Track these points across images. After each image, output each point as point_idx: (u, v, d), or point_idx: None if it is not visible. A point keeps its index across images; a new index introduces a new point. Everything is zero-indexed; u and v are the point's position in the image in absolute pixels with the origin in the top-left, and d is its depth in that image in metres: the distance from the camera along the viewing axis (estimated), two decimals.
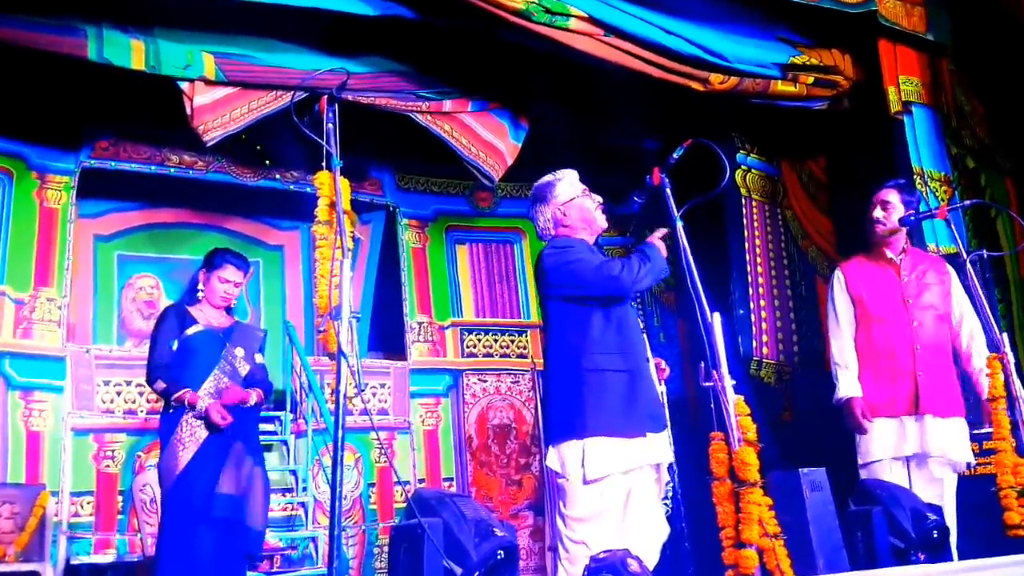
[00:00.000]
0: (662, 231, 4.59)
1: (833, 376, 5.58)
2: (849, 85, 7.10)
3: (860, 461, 5.41)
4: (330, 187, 3.82)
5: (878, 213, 5.55)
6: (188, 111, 5.83)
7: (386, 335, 8.15)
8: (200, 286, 5.57)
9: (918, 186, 6.63)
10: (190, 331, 5.42)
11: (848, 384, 5.49)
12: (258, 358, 5.65)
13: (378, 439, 7.49)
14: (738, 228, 7.55)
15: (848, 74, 7.09)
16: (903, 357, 5.38)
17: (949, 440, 5.27)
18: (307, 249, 8.15)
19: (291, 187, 7.74)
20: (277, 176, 7.69)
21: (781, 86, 6.84)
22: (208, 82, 5.88)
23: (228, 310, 5.67)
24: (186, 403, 5.23)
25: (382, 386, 7.71)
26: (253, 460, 5.40)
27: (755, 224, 7.59)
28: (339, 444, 3.46)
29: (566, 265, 4.44)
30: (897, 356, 5.39)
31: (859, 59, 7.15)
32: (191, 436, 5.22)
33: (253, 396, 5.46)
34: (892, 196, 5.53)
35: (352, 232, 3.86)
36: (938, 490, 5.20)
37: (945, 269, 5.63)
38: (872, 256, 5.65)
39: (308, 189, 7.27)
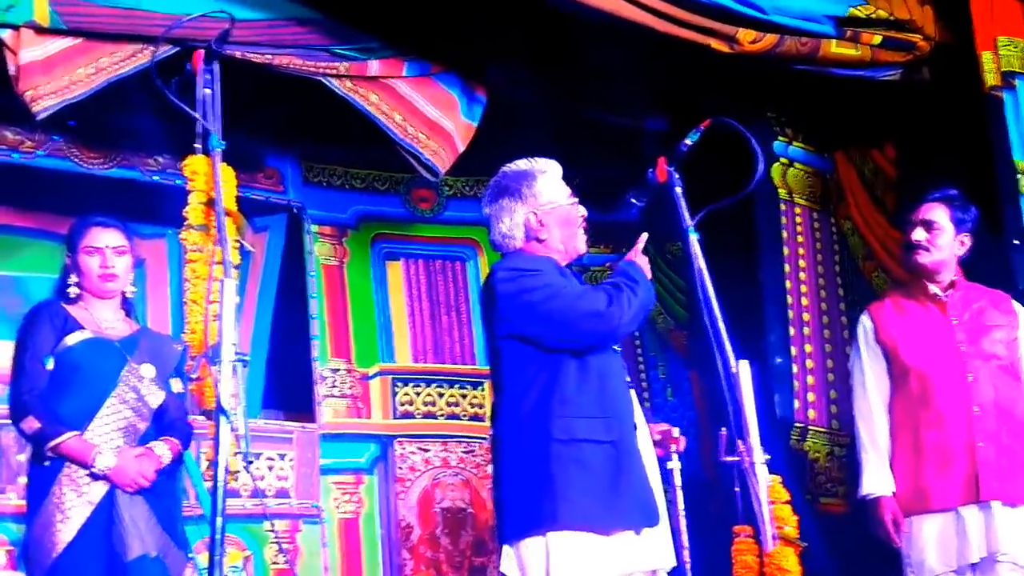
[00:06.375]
0: (642, 239, 4.61)
1: (859, 462, 5.62)
2: (929, 48, 7.15)
3: None
4: (207, 178, 3.82)
5: (919, 235, 5.63)
6: (12, 71, 5.79)
7: (288, 386, 8.08)
8: (71, 278, 5.35)
9: (1023, 187, 6.68)
10: (71, 339, 5.18)
11: (875, 476, 5.55)
12: (175, 384, 5.42)
13: (275, 531, 7.44)
14: (775, 244, 7.58)
15: (928, 33, 7.13)
16: (956, 424, 5.43)
17: None
18: (175, 264, 8.07)
19: (154, 178, 7.68)
20: (135, 163, 7.65)
21: (836, 47, 6.88)
22: (40, 30, 5.83)
23: (127, 309, 5.50)
24: (67, 456, 4.98)
25: (281, 457, 7.67)
26: (162, 527, 5.17)
27: (799, 238, 7.63)
28: (219, 538, 3.43)
29: (528, 294, 4.43)
30: (948, 423, 5.44)
31: (944, 12, 7.19)
32: (76, 499, 4.97)
33: (166, 453, 5.21)
34: (938, 213, 5.62)
35: (239, 241, 3.85)
36: None
37: (1011, 307, 5.70)
38: (910, 292, 5.74)
39: (177, 181, 7.20)
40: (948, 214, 5.61)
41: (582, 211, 4.72)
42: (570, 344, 4.39)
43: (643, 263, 4.59)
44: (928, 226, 5.59)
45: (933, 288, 5.63)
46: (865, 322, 5.79)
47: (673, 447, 4.85)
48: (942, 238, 5.58)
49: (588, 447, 4.29)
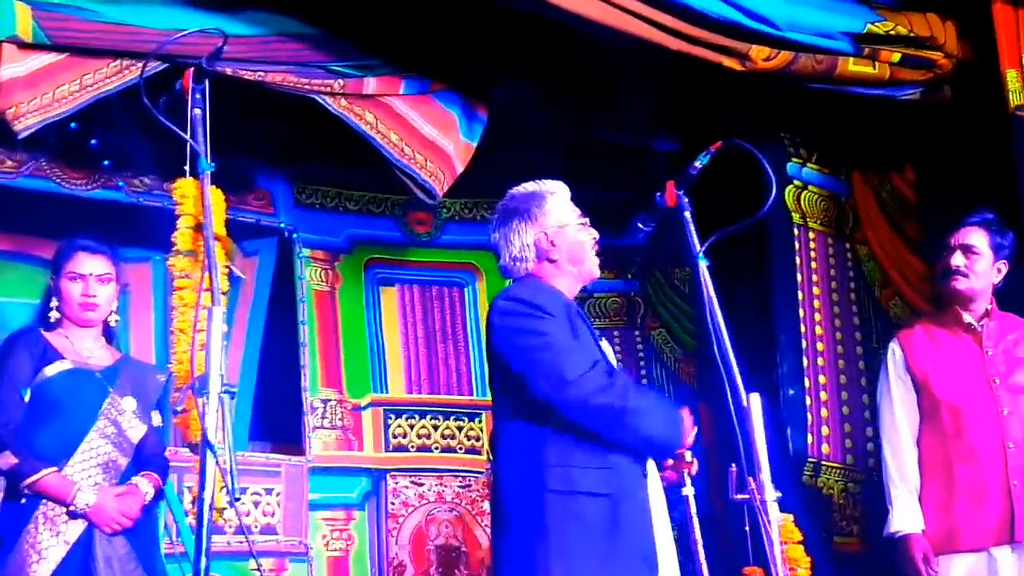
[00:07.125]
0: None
1: (887, 497, 5.60)
2: (951, 66, 7.15)
3: None
4: (195, 201, 3.81)
5: (958, 260, 5.60)
6: None
7: (276, 418, 8.06)
8: (53, 302, 5.39)
9: None
10: (50, 371, 5.19)
11: (905, 512, 5.52)
12: (155, 418, 5.44)
13: (260, 570, 7.41)
14: (788, 270, 7.58)
15: (950, 50, 7.14)
16: (990, 460, 5.42)
17: None
18: (160, 290, 8.05)
19: (141, 200, 7.65)
20: (120, 184, 7.62)
21: (853, 65, 6.88)
22: (23, 45, 5.83)
23: (108, 337, 5.51)
24: (45, 494, 4.98)
25: (268, 492, 7.65)
26: (142, 567, 5.16)
27: (813, 264, 7.62)
28: None
29: (523, 337, 4.40)
30: (981, 459, 5.43)
31: (966, 29, 7.20)
32: (52, 538, 4.96)
33: (150, 490, 5.22)
34: (977, 237, 5.60)
35: (228, 267, 3.85)
36: None
37: None
38: (942, 321, 5.71)
39: (165, 204, 7.19)
40: (987, 239, 5.59)
41: (594, 233, 4.71)
42: (552, 408, 4.33)
43: (686, 417, 4.58)
44: (967, 251, 5.57)
45: (967, 317, 5.60)
46: (895, 350, 5.75)
47: (686, 471, 4.79)
48: (980, 264, 5.56)
49: (585, 500, 4.24)
